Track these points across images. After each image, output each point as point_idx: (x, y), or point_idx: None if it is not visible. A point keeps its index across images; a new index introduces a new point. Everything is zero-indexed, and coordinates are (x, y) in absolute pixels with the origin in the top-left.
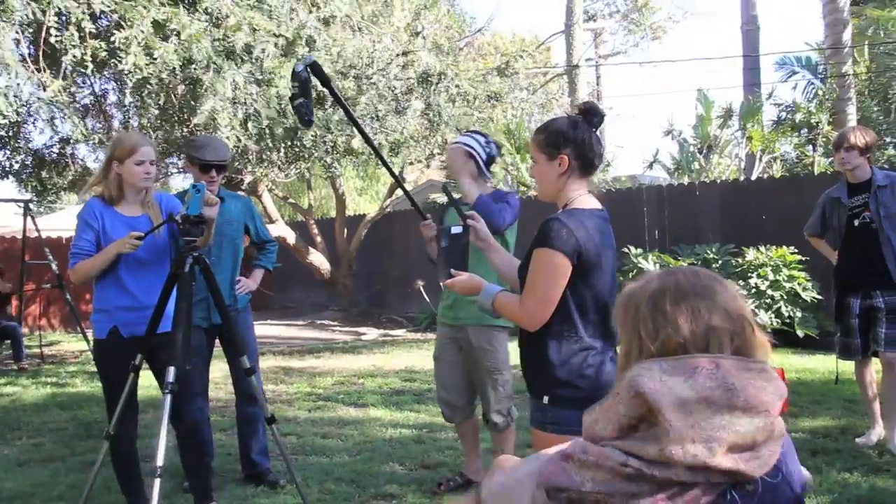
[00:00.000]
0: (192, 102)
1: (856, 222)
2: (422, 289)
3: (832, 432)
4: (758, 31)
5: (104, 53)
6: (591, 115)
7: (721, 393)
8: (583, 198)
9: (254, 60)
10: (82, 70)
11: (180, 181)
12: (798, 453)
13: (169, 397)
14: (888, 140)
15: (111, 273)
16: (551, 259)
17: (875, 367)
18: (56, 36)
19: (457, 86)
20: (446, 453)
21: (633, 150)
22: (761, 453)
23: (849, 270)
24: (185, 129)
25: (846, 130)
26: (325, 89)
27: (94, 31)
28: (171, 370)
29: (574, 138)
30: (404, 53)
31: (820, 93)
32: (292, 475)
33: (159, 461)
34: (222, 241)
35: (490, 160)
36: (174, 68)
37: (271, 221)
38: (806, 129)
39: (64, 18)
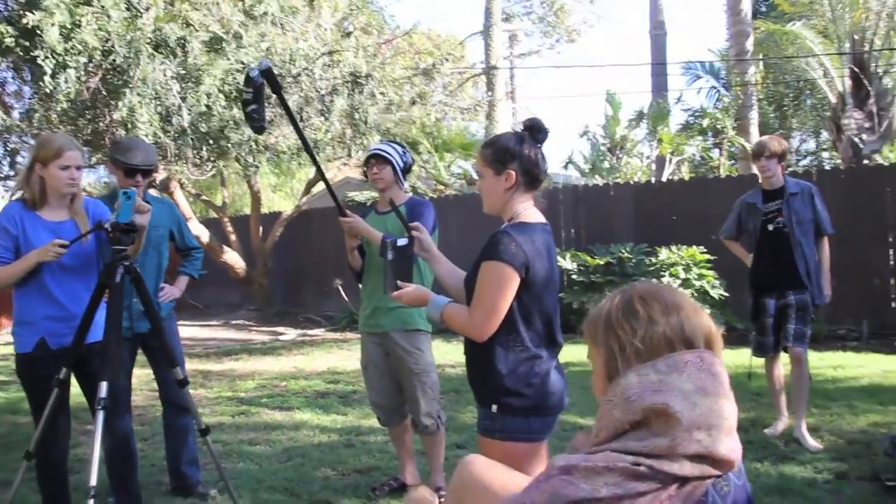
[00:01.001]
0: (107, 96)
1: (770, 227)
2: (340, 288)
3: (742, 424)
4: (665, 36)
5: (10, 39)
6: (535, 132)
7: (711, 382)
8: (528, 211)
9: (184, 55)
10: None
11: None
12: None
13: (102, 413)
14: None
15: (34, 281)
16: (500, 271)
17: (784, 361)
18: None
19: (381, 92)
20: (377, 456)
21: (548, 150)
22: (736, 440)
23: (764, 272)
24: (101, 125)
25: (765, 140)
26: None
27: None
28: (104, 385)
29: (520, 154)
30: (330, 53)
31: (725, 99)
32: (228, 487)
33: (93, 481)
34: (147, 248)
35: (407, 169)
36: (92, 57)
37: (185, 219)
38: (712, 134)
39: None
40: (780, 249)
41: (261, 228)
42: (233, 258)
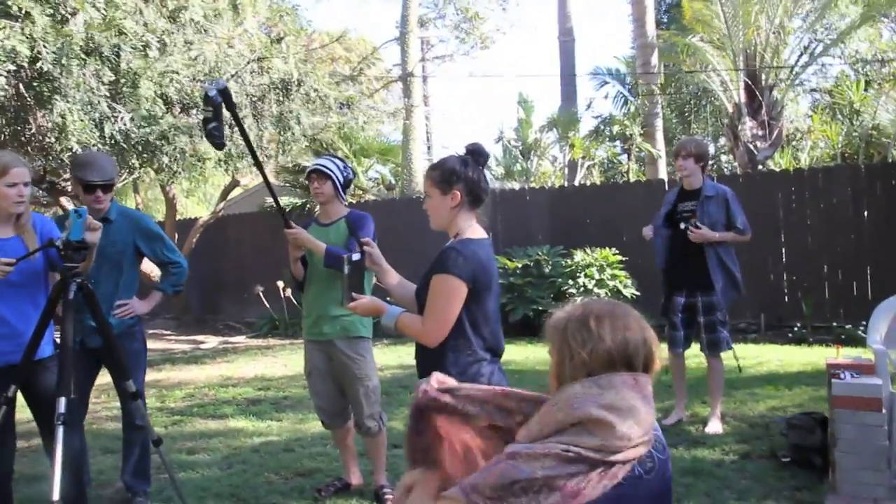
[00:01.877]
0: (35, 103)
1: (682, 225)
2: (261, 294)
3: (659, 411)
4: (573, 43)
5: None
6: (478, 155)
7: (642, 403)
8: (472, 228)
9: (117, 62)
10: None
11: None
12: None
13: (61, 429)
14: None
15: None
16: (450, 284)
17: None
18: None
19: (315, 90)
20: (318, 460)
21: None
22: (651, 435)
23: (674, 270)
24: (27, 132)
25: (684, 141)
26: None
27: None
28: (63, 401)
29: (465, 176)
30: (259, 60)
31: (632, 106)
32: (181, 495)
33: (55, 496)
34: (101, 264)
35: (347, 183)
36: (21, 65)
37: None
38: (621, 140)
39: None
40: (689, 249)
41: (176, 235)
42: (147, 265)
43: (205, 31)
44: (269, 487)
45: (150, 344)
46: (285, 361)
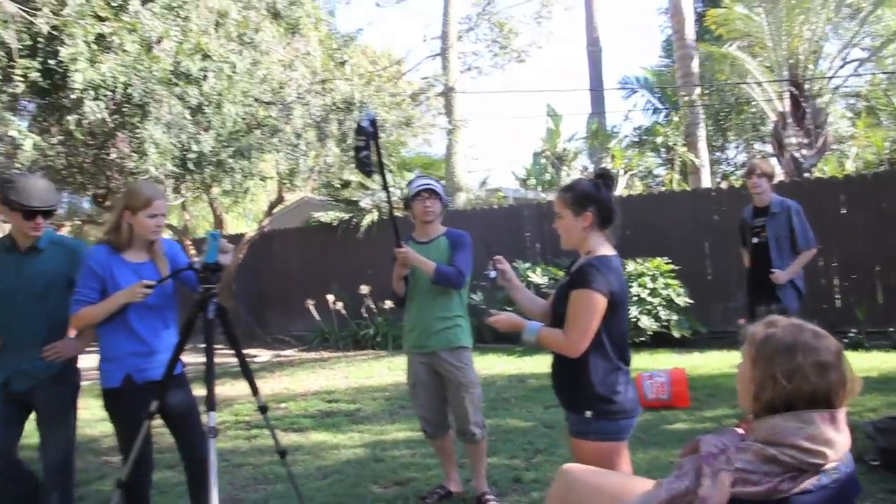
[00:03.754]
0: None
1: (755, 240)
2: (311, 308)
3: (732, 418)
4: (601, 52)
5: (35, 74)
6: (606, 179)
7: (836, 435)
8: (604, 246)
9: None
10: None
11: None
12: None
13: (213, 441)
14: (720, 155)
15: (119, 319)
16: (591, 298)
17: None
18: None
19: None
20: (411, 469)
21: (487, 162)
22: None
23: (753, 281)
24: (107, 157)
25: (756, 161)
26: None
27: (23, 50)
28: (213, 415)
29: (597, 199)
30: (323, 82)
31: (673, 117)
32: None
33: (214, 501)
34: (25, 299)
35: (446, 204)
36: (115, 91)
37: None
38: (664, 150)
39: None
40: (762, 262)
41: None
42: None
43: (268, 53)
44: (373, 496)
45: (204, 358)
46: (345, 373)
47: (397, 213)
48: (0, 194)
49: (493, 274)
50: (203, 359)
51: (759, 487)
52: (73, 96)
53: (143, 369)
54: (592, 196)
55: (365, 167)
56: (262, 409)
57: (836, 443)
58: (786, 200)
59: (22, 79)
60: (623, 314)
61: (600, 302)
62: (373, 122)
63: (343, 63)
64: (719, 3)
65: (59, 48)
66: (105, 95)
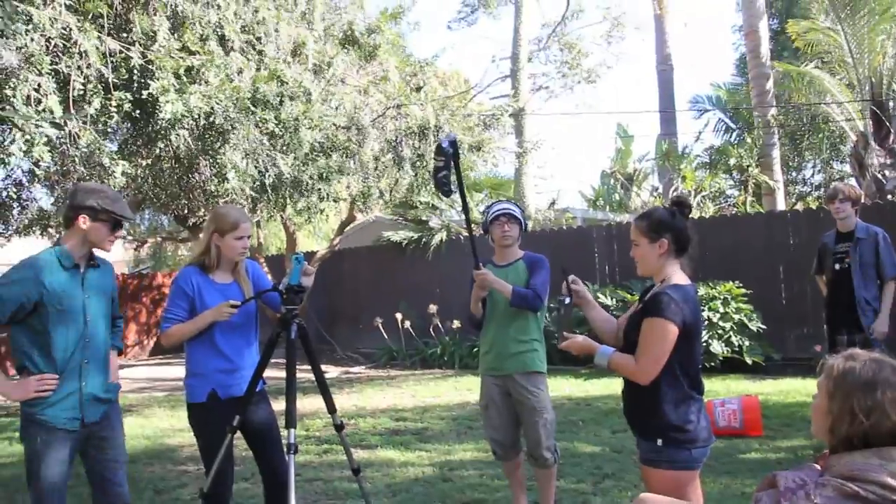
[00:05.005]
0: (207, 153)
1: (837, 266)
2: (380, 326)
3: (808, 450)
4: (671, 72)
5: (128, 105)
6: (682, 207)
7: None
8: (679, 274)
9: (278, 109)
10: (107, 120)
11: None
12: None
13: (293, 457)
14: (796, 175)
15: (205, 337)
16: (664, 327)
17: None
18: (80, 87)
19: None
20: (479, 490)
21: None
22: None
23: (832, 309)
24: (193, 180)
25: (839, 185)
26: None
27: (117, 81)
28: (293, 432)
29: (673, 226)
30: (398, 107)
31: (748, 138)
32: None
33: None
34: (94, 320)
35: (525, 227)
36: (198, 120)
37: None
38: (738, 172)
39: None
40: (843, 289)
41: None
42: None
43: (343, 81)
44: None
45: (275, 373)
46: (412, 392)
47: (475, 234)
48: (82, 201)
49: (567, 300)
50: (281, 374)
51: None
52: (161, 125)
53: (228, 385)
54: (668, 224)
55: (443, 187)
56: (339, 426)
57: None
58: (872, 227)
59: (116, 110)
60: (697, 343)
61: (672, 331)
62: (453, 143)
63: (419, 89)
64: (794, 16)
65: (150, 81)
66: (189, 125)
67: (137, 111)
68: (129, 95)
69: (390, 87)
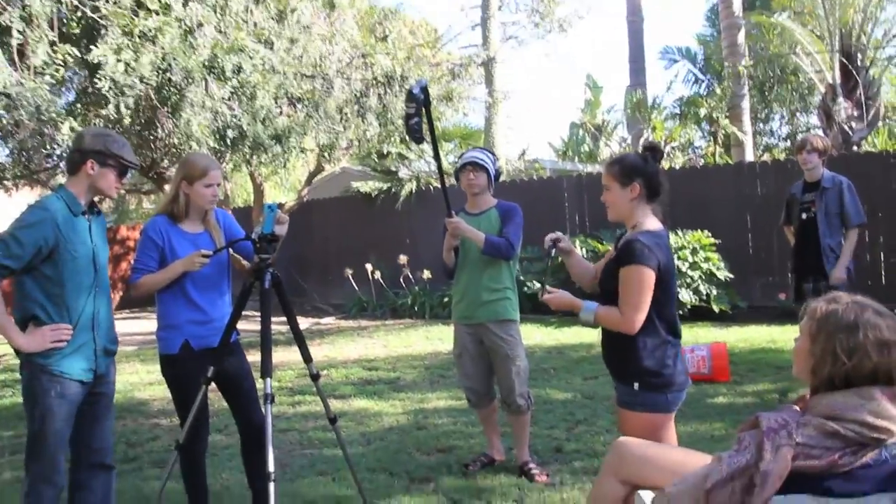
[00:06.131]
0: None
1: (804, 216)
2: (350, 277)
3: (773, 393)
4: (641, 23)
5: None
6: (654, 152)
7: (894, 409)
8: (650, 220)
9: (238, 78)
10: (52, 74)
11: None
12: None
13: (270, 406)
14: (763, 126)
15: (177, 288)
16: (641, 274)
17: None
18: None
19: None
20: (453, 437)
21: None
22: None
23: (798, 257)
24: (153, 135)
25: (808, 136)
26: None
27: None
28: (269, 381)
29: (645, 171)
30: (363, 56)
31: (717, 89)
32: (351, 469)
33: (270, 466)
34: (104, 267)
35: (496, 176)
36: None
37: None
38: (707, 123)
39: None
40: (810, 237)
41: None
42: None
43: (307, 28)
44: (417, 462)
45: (245, 325)
46: (383, 342)
47: (447, 184)
48: (91, 145)
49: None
50: (252, 327)
51: (819, 461)
52: (110, 95)
53: (201, 336)
54: (640, 168)
55: (415, 134)
56: (315, 376)
57: None
58: (837, 176)
59: (63, 64)
60: (671, 288)
61: (649, 276)
62: (424, 90)
63: (385, 38)
64: None
65: (95, 44)
66: (137, 93)
67: (85, 70)
68: (76, 51)
69: (356, 38)
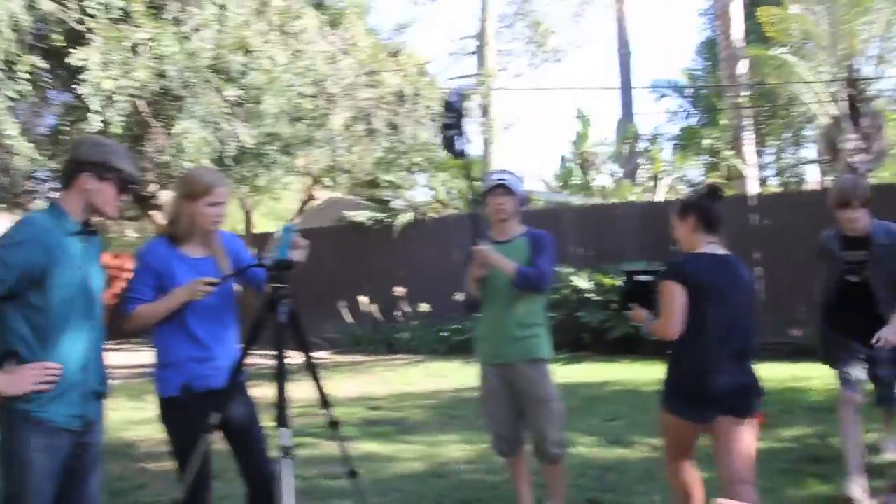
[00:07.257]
0: (159, 119)
1: (853, 278)
2: (343, 310)
3: (811, 438)
4: (629, 56)
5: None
6: (712, 191)
7: None
8: (708, 246)
9: (244, 80)
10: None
11: None
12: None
13: (289, 461)
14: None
15: (176, 320)
16: (666, 287)
17: None
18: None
19: (427, 106)
20: (476, 487)
21: (517, 165)
22: None
23: (846, 322)
24: (146, 148)
25: (847, 187)
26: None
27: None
28: (286, 432)
29: (697, 206)
30: (371, 73)
31: (722, 122)
32: None
33: None
34: (99, 298)
35: (523, 201)
36: (144, 87)
37: None
38: (710, 156)
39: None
40: (858, 302)
41: (256, 250)
42: None
43: (310, 44)
44: None
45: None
46: (382, 379)
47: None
48: (88, 156)
49: (644, 277)
50: (258, 360)
51: None
52: (93, 101)
53: (203, 376)
54: (692, 204)
55: (452, 148)
56: (334, 423)
57: None
58: (890, 225)
59: (27, 76)
60: (714, 305)
61: (673, 289)
62: (463, 98)
63: (396, 53)
64: (762, 4)
65: (73, 48)
66: (123, 106)
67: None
68: (45, 63)
69: (362, 55)
